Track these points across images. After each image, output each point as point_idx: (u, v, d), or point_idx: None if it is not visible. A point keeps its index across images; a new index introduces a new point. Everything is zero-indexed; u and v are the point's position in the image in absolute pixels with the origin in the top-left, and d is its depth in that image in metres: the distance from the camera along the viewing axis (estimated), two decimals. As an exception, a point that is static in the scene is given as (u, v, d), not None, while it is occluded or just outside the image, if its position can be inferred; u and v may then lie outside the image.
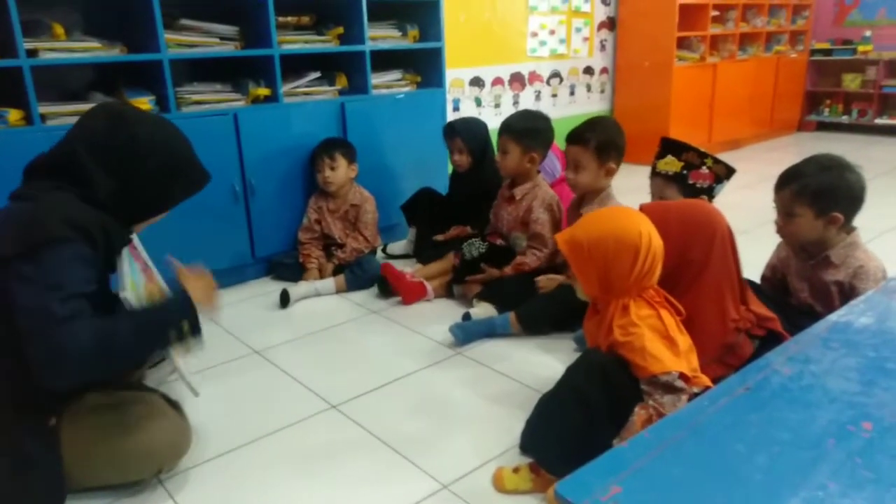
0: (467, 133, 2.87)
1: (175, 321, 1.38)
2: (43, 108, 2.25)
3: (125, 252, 1.52)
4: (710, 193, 2.00)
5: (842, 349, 0.98)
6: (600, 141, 2.21)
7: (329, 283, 2.71)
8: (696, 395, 1.40)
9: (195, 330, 1.41)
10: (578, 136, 2.26)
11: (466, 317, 2.32)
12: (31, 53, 2.21)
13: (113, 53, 2.41)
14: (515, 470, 1.50)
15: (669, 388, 1.37)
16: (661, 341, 1.41)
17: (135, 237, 1.72)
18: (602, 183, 2.27)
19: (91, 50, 2.36)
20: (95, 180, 1.39)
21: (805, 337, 1.04)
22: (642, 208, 1.63)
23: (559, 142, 2.61)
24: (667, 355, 1.39)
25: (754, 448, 0.76)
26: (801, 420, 0.81)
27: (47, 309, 1.22)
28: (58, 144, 1.44)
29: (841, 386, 0.88)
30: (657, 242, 1.46)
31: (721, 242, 1.59)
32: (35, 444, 1.34)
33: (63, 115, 2.30)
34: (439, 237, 2.90)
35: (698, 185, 1.98)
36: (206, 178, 1.60)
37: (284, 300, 2.59)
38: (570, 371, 1.52)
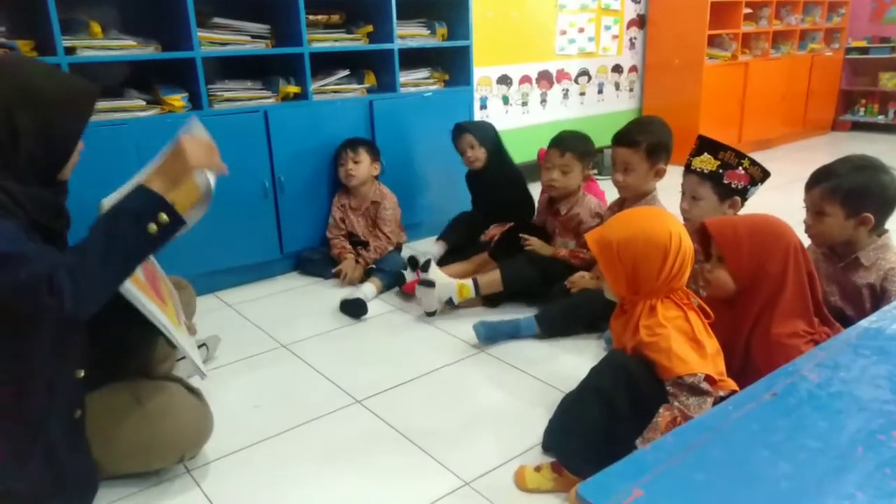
0: (477, 130, 2.88)
1: (144, 213, 1.28)
2: (80, 105, 2.30)
3: None
4: (743, 195, 1.97)
5: (872, 356, 0.97)
6: (651, 143, 2.19)
7: (370, 289, 2.63)
8: (723, 398, 1.39)
9: (176, 221, 1.32)
10: (628, 137, 2.23)
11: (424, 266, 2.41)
12: (70, 51, 2.27)
13: (148, 51, 2.46)
14: (537, 469, 1.50)
15: (695, 391, 1.36)
16: (687, 343, 1.40)
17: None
18: (650, 185, 2.26)
19: (127, 48, 2.41)
20: None
21: (835, 343, 1.02)
22: (708, 225, 1.60)
23: (604, 141, 2.60)
24: (693, 357, 1.38)
25: (780, 455, 0.76)
26: (828, 427, 0.80)
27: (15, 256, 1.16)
28: None
29: (871, 394, 0.87)
30: (687, 244, 1.45)
31: (795, 255, 1.55)
32: (65, 436, 1.37)
33: (99, 112, 2.36)
34: (485, 237, 2.90)
35: (733, 186, 1.96)
36: (91, 93, 1.37)
37: (359, 311, 2.47)
38: (594, 372, 1.52)
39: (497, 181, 2.90)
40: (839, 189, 1.70)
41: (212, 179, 1.43)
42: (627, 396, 1.40)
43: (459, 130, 2.90)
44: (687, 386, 1.36)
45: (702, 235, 1.64)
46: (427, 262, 2.41)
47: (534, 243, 2.51)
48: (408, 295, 2.63)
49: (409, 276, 2.74)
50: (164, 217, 1.29)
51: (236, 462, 1.63)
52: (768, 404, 0.85)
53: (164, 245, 1.33)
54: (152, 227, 1.28)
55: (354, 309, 2.46)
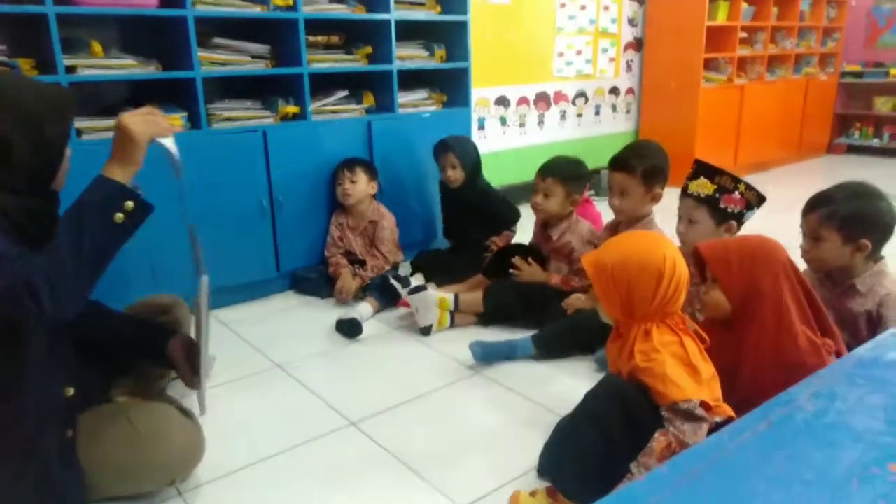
0: (460, 148, 2.92)
1: (108, 204, 1.27)
2: (79, 123, 2.31)
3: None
4: (739, 219, 1.98)
5: (867, 385, 0.97)
6: (647, 168, 2.20)
7: (366, 308, 2.62)
8: (719, 424, 1.39)
9: (144, 206, 1.32)
10: (624, 162, 2.24)
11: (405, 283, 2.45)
12: (70, 70, 2.28)
13: (148, 71, 2.47)
14: (532, 494, 1.49)
15: (690, 416, 1.36)
16: (682, 368, 1.40)
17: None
18: (646, 209, 2.27)
19: (127, 67, 2.43)
20: None
21: (830, 372, 1.02)
22: (700, 247, 1.61)
23: (590, 162, 2.62)
24: (688, 383, 1.38)
25: (775, 486, 0.75)
26: (824, 459, 0.79)
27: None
28: None
29: (866, 425, 0.86)
30: (682, 268, 1.45)
31: (785, 271, 1.55)
32: (56, 456, 1.36)
33: (99, 130, 2.37)
34: (494, 242, 2.93)
35: (729, 210, 1.97)
36: (70, 97, 1.38)
37: (353, 331, 2.45)
38: (590, 397, 1.51)
39: (469, 202, 2.94)
40: (836, 215, 1.71)
41: (170, 144, 1.39)
42: (622, 422, 1.40)
43: (444, 148, 2.94)
44: (682, 412, 1.36)
45: (697, 258, 1.65)
46: (406, 278, 2.41)
47: (524, 272, 2.50)
48: (403, 311, 2.62)
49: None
50: (129, 204, 1.28)
51: (229, 484, 1.62)
52: (764, 434, 0.85)
53: (136, 231, 1.32)
54: (119, 216, 1.27)
55: (349, 329, 2.45)
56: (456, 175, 2.92)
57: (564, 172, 2.48)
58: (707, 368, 1.44)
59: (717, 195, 1.97)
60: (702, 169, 2.01)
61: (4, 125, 1.26)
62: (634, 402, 1.41)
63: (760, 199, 1.99)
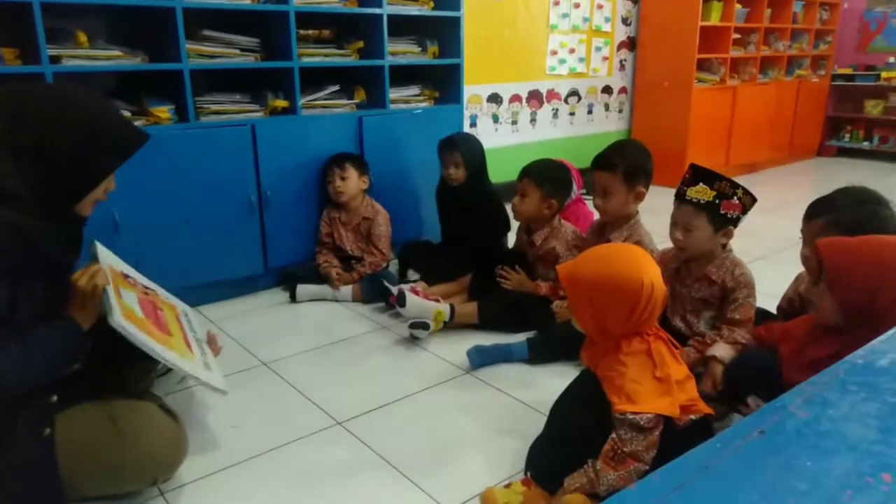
0: (467, 148, 2.86)
1: (73, 353, 1.38)
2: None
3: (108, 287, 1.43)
4: (736, 223, 1.95)
5: (861, 392, 0.95)
6: (628, 166, 2.18)
7: (346, 290, 2.76)
8: (695, 422, 1.41)
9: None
10: (605, 161, 2.22)
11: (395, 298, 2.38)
12: (55, 60, 2.23)
13: (134, 62, 2.43)
14: (507, 486, 1.51)
15: (634, 427, 1.36)
16: (648, 380, 1.39)
17: (117, 263, 1.64)
18: (630, 208, 2.24)
19: (113, 58, 2.39)
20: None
21: (823, 378, 1.01)
22: (821, 247, 1.44)
23: (582, 161, 2.59)
24: (643, 398, 1.36)
25: (768, 497, 0.73)
26: (817, 469, 0.78)
27: None
28: None
29: (859, 433, 0.85)
30: (659, 292, 1.42)
31: None
32: (33, 454, 1.34)
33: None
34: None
35: (729, 216, 1.93)
36: (138, 138, 1.41)
37: (293, 295, 2.75)
38: (560, 405, 1.58)
39: (465, 201, 2.88)
40: (840, 223, 1.67)
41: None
42: (595, 426, 1.43)
43: (450, 145, 2.86)
44: (627, 422, 1.36)
45: (818, 253, 1.51)
46: (402, 297, 2.35)
47: (513, 281, 2.47)
48: (394, 306, 2.59)
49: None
50: (76, 366, 1.39)
51: (212, 485, 1.59)
52: (756, 443, 0.83)
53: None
54: (75, 366, 1.39)
55: (291, 286, 2.75)
56: (457, 174, 2.85)
57: (540, 174, 2.46)
58: (680, 370, 1.45)
59: (717, 201, 1.91)
60: (700, 174, 1.92)
61: (64, 138, 1.29)
62: (602, 404, 1.42)
63: (753, 202, 1.96)
